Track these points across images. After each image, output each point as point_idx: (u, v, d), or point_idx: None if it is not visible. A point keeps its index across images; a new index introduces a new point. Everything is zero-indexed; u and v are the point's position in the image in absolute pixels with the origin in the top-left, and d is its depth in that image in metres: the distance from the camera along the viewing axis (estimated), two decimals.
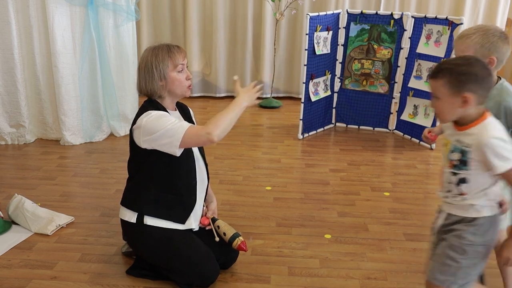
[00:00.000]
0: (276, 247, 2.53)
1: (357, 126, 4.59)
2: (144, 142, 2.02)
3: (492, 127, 1.58)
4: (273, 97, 5.53)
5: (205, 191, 2.31)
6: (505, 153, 1.52)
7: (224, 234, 2.24)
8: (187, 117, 2.29)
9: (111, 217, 2.81)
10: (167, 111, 2.11)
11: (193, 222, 2.23)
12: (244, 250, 2.23)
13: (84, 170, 3.55)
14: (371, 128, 4.57)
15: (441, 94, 1.57)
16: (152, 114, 2.01)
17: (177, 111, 2.24)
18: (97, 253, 2.45)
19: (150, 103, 2.13)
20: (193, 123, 2.33)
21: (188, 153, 2.14)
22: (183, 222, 2.18)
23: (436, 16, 4.02)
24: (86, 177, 3.42)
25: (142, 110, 2.08)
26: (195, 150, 2.21)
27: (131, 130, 2.09)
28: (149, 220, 2.14)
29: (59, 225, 2.67)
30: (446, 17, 3.91)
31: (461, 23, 3.80)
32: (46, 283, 2.20)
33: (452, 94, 1.55)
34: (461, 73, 1.53)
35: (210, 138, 1.94)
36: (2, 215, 2.71)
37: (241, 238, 2.22)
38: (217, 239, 2.24)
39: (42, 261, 2.37)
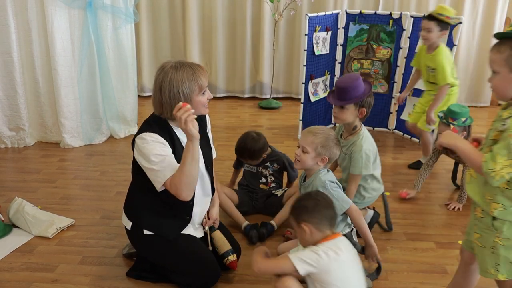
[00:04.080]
0: (277, 248, 2.52)
1: None
2: (139, 162, 2.03)
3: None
4: (272, 98, 5.53)
5: (208, 204, 2.30)
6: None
7: (217, 248, 2.24)
8: (201, 127, 2.26)
9: (112, 219, 2.81)
10: (172, 129, 2.07)
11: (193, 231, 2.23)
12: (234, 268, 2.23)
13: (84, 172, 3.55)
14: (371, 128, 4.57)
15: (293, 225, 1.89)
16: (147, 140, 1.98)
17: None
18: (97, 255, 2.45)
19: (155, 120, 2.07)
20: (207, 136, 2.29)
21: None
22: (171, 237, 2.13)
23: None
24: (86, 180, 3.42)
25: (146, 126, 2.05)
26: (201, 166, 2.15)
27: (133, 140, 2.07)
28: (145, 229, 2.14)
29: (60, 227, 2.67)
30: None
31: (460, 22, 3.79)
32: (47, 286, 2.20)
33: (296, 226, 1.85)
34: (295, 207, 1.87)
35: (181, 199, 1.98)
36: (2, 219, 2.71)
37: (231, 257, 2.21)
38: (210, 248, 2.23)
39: (43, 264, 2.37)
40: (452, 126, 2.83)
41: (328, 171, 2.29)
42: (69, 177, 3.47)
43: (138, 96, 4.67)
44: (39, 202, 2.99)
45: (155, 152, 1.96)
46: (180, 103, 1.89)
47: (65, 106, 3.89)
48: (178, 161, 1.99)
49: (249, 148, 2.82)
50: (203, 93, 2.06)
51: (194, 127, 1.90)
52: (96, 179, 3.42)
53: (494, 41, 1.63)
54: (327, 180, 2.22)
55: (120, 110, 4.22)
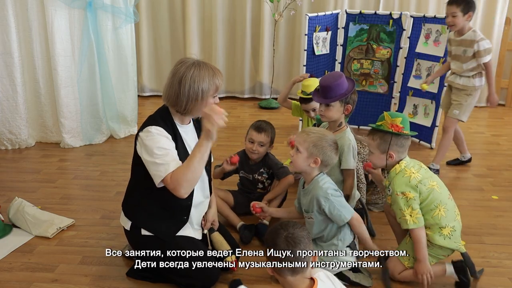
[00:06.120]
0: None
1: (356, 126, 4.60)
2: (142, 156, 2.02)
3: None
4: (272, 98, 5.53)
5: (206, 205, 2.30)
6: None
7: (216, 249, 2.25)
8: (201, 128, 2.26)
9: (112, 219, 2.81)
10: (175, 126, 2.08)
11: (192, 233, 2.23)
12: (233, 269, 2.24)
13: (84, 172, 3.55)
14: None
15: None
16: (152, 133, 1.97)
17: (191, 124, 2.20)
18: (97, 255, 2.44)
19: (161, 115, 2.08)
20: None
21: None
22: (169, 239, 2.13)
23: (435, 16, 4.02)
24: (86, 180, 3.42)
25: (151, 120, 2.05)
26: None
27: (137, 134, 2.07)
28: (144, 230, 2.14)
29: (60, 228, 2.67)
30: (445, 16, 3.90)
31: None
32: (47, 286, 2.20)
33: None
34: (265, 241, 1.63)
35: (178, 195, 1.93)
36: (2, 219, 2.71)
37: (228, 259, 2.21)
38: (210, 247, 2.25)
39: (43, 264, 2.37)
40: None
41: (325, 175, 2.23)
42: (69, 177, 3.47)
43: (138, 96, 4.67)
44: (39, 202, 2.99)
45: (159, 145, 1.96)
46: (217, 107, 1.91)
47: (65, 106, 3.90)
48: (180, 159, 1.99)
49: (264, 121, 2.84)
50: (214, 96, 2.06)
51: (216, 130, 1.90)
52: (96, 179, 3.42)
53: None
54: (329, 189, 2.14)
55: (120, 110, 4.23)
